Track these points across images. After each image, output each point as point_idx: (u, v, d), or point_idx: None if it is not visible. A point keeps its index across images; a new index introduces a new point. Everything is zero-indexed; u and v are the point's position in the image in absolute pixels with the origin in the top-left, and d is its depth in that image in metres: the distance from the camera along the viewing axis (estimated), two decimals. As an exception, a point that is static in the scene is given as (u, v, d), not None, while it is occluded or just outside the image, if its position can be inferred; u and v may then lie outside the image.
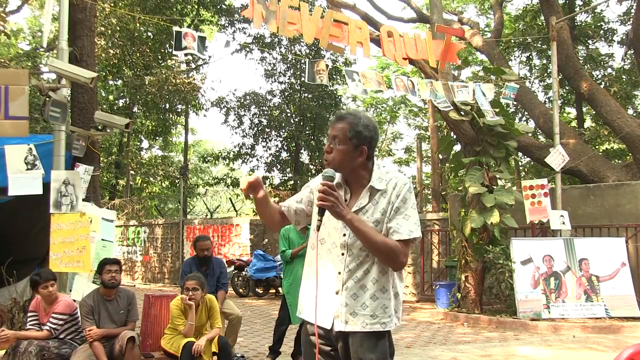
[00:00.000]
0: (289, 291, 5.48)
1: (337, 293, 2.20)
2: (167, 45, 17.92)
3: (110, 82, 19.48)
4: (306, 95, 18.70)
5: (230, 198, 18.75)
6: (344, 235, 2.20)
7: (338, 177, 2.27)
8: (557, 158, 9.25)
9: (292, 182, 18.34)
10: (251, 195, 2.27)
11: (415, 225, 2.18)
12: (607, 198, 9.36)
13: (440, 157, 16.66)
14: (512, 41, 16.92)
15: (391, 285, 2.21)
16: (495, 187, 8.89)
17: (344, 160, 2.22)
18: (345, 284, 2.19)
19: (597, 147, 16.11)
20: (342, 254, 2.21)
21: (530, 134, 14.60)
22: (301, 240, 5.56)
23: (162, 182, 24.24)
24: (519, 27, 18.17)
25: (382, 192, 2.21)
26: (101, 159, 11.34)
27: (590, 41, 17.28)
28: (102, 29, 15.16)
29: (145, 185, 24.12)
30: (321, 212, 2.16)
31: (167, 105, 18.97)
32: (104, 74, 17.20)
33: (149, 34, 18.10)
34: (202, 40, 6.30)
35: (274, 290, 12.20)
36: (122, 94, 19.70)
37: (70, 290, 5.09)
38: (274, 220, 2.40)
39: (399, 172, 2.35)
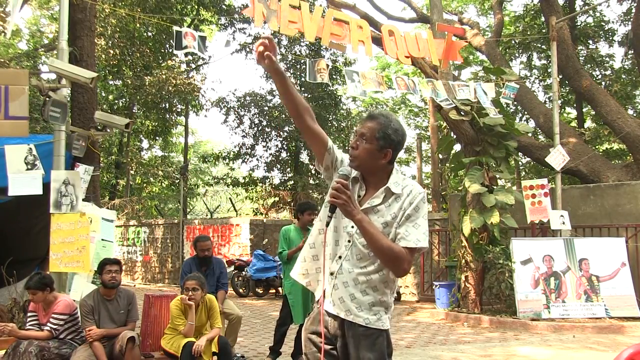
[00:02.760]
0: (290, 291, 5.48)
1: (332, 274, 2.25)
2: (167, 46, 17.93)
3: (110, 82, 19.48)
4: (306, 95, 18.69)
5: (230, 198, 18.74)
6: (352, 227, 2.23)
7: (355, 172, 2.29)
8: (557, 158, 9.25)
9: (292, 182, 18.33)
10: (261, 60, 2.09)
11: (424, 235, 2.19)
12: (607, 198, 9.36)
13: (440, 157, 16.66)
14: (513, 41, 16.92)
15: (385, 288, 2.23)
16: (495, 187, 8.89)
17: (367, 159, 2.23)
18: (341, 268, 2.23)
19: (597, 147, 16.11)
20: (349, 241, 2.24)
21: (530, 134, 14.60)
22: (300, 240, 5.55)
23: (162, 182, 24.24)
24: (519, 27, 18.18)
25: (397, 196, 2.23)
26: (101, 159, 11.35)
27: (590, 41, 17.28)
28: (102, 29, 15.15)
29: (145, 185, 24.12)
30: (332, 209, 2.18)
31: (167, 106, 18.97)
32: (104, 74, 17.19)
33: (149, 34, 18.10)
34: (202, 39, 6.30)
35: (274, 290, 12.20)
36: (122, 94, 19.70)
37: (69, 291, 5.08)
38: (294, 110, 2.21)
39: (416, 182, 2.36)
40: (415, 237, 2.17)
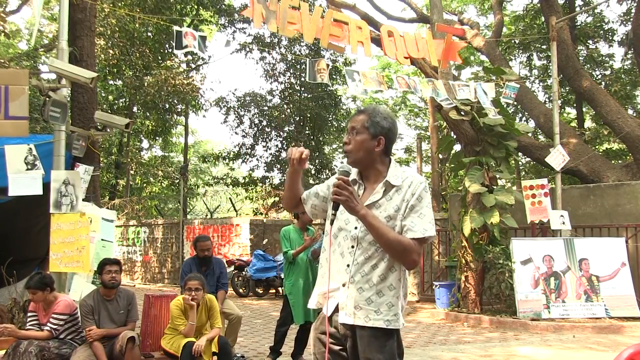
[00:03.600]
0: (290, 292, 5.49)
1: (344, 285, 2.21)
2: (167, 46, 17.93)
3: (110, 82, 19.47)
4: (306, 95, 18.71)
5: (230, 198, 18.75)
6: (355, 228, 2.21)
7: (354, 173, 2.29)
8: (557, 158, 9.25)
9: (292, 182, 18.30)
10: (293, 164, 2.33)
11: (430, 224, 2.17)
12: (607, 198, 9.36)
13: (440, 157, 16.66)
14: (513, 41, 16.92)
15: (400, 285, 2.21)
16: (495, 187, 8.89)
17: (361, 150, 2.24)
18: (353, 277, 2.19)
19: (597, 147, 16.11)
20: (352, 247, 2.21)
21: (530, 134, 14.60)
22: (301, 240, 5.58)
23: (162, 182, 24.23)
24: (519, 27, 18.18)
25: (397, 188, 2.22)
26: (101, 159, 11.34)
27: (590, 41, 17.28)
28: (102, 29, 15.15)
29: (145, 185, 24.11)
30: (335, 207, 2.17)
31: (167, 106, 18.97)
32: (103, 74, 17.19)
33: (149, 34, 18.10)
34: (202, 39, 6.30)
35: (274, 290, 12.20)
36: (122, 94, 19.70)
37: (69, 291, 5.08)
38: (292, 200, 2.48)
39: (416, 172, 2.37)
40: (421, 227, 2.15)
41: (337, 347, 2.25)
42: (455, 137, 10.06)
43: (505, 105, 9.06)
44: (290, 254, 5.49)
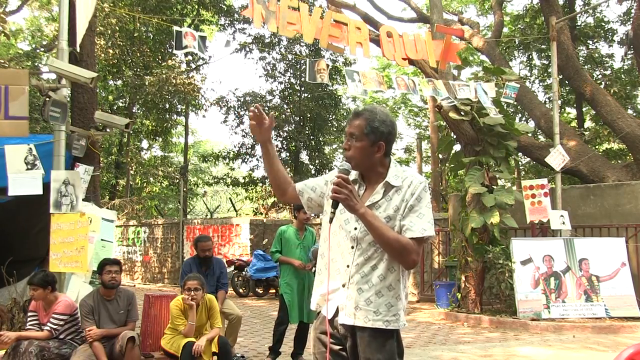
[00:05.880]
0: (285, 291, 5.52)
1: (343, 286, 2.21)
2: (167, 45, 17.92)
3: (110, 82, 19.47)
4: (306, 95, 18.71)
5: (230, 198, 18.75)
6: (355, 228, 2.20)
7: (355, 173, 2.29)
8: (557, 158, 9.25)
9: (292, 182, 18.32)
10: (256, 132, 2.34)
11: (429, 224, 2.16)
12: (607, 198, 9.36)
13: (440, 157, 16.66)
14: (513, 41, 16.92)
15: (400, 285, 2.20)
16: (495, 187, 8.89)
17: (362, 157, 2.22)
18: (352, 278, 2.19)
19: (597, 147, 16.11)
20: (352, 247, 2.21)
21: (530, 134, 14.60)
22: (297, 240, 5.62)
23: (162, 182, 24.23)
24: (519, 27, 18.18)
25: (397, 188, 2.21)
26: (101, 159, 11.34)
27: (590, 41, 17.28)
28: (102, 29, 15.15)
29: (145, 185, 24.11)
30: (334, 205, 2.15)
31: (167, 106, 18.97)
32: (104, 74, 17.18)
33: (149, 34, 18.10)
34: (202, 39, 6.30)
35: (274, 290, 12.19)
36: (122, 94, 19.68)
37: (67, 290, 5.08)
38: (277, 186, 2.42)
39: (416, 172, 2.35)
40: (420, 226, 2.14)
41: (337, 347, 2.25)
42: (455, 137, 10.06)
43: (505, 105, 9.06)
44: (276, 257, 5.58)
